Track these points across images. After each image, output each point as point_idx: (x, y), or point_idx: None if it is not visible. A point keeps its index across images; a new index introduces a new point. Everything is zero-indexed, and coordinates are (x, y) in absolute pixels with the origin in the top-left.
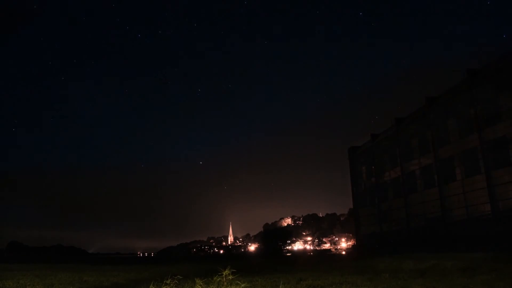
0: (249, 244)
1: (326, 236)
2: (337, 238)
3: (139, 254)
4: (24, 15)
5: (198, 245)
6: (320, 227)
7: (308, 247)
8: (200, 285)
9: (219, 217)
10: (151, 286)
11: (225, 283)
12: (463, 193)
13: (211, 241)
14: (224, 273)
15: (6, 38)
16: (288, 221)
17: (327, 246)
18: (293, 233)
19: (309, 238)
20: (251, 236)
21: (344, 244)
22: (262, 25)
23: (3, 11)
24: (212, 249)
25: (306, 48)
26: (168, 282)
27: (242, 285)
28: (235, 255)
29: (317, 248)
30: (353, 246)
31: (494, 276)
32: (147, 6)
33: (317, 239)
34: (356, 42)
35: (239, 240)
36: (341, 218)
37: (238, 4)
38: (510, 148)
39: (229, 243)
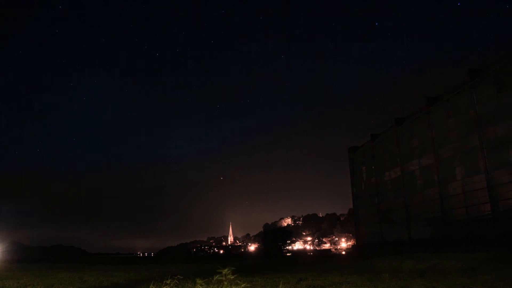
0: (249, 244)
1: (326, 236)
2: (337, 238)
3: (139, 254)
4: (25, 14)
5: (198, 245)
6: (320, 227)
7: (308, 247)
8: (201, 285)
9: (219, 217)
10: (151, 286)
11: (225, 283)
12: (463, 193)
13: (211, 241)
14: (223, 271)
15: (8, 37)
16: (288, 221)
17: (327, 246)
18: (293, 233)
19: (309, 238)
20: (251, 236)
21: (344, 244)
22: (263, 26)
23: (4, 9)
24: (212, 249)
25: (306, 48)
26: (168, 282)
27: (242, 285)
28: (235, 255)
29: (317, 248)
30: (353, 246)
31: (494, 276)
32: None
33: (317, 239)
34: (356, 42)
35: (239, 240)
36: (341, 218)
37: (241, 6)
38: (510, 148)
39: (229, 243)
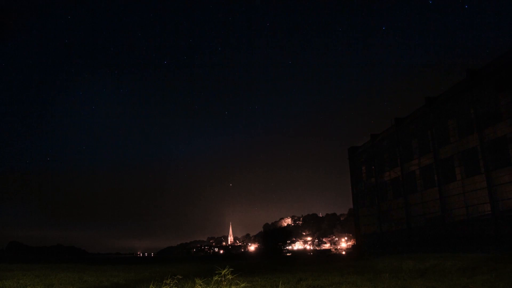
0: (249, 244)
1: (326, 236)
2: (337, 238)
3: (139, 254)
4: (25, 13)
5: (198, 245)
6: (320, 227)
7: (308, 247)
8: (200, 284)
9: (219, 217)
10: (151, 286)
11: (225, 283)
12: (463, 193)
13: (211, 241)
14: (222, 272)
15: (6, 37)
16: (288, 221)
17: (327, 246)
18: (293, 233)
19: (309, 238)
20: (251, 236)
21: (344, 244)
22: (264, 26)
23: (4, 9)
24: (212, 249)
25: (307, 48)
26: (168, 282)
27: (242, 285)
28: (235, 255)
29: (317, 248)
30: (353, 246)
31: (494, 276)
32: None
33: (317, 239)
34: (356, 42)
35: (239, 240)
36: (341, 218)
37: (247, 12)
38: (510, 148)
39: (229, 243)
